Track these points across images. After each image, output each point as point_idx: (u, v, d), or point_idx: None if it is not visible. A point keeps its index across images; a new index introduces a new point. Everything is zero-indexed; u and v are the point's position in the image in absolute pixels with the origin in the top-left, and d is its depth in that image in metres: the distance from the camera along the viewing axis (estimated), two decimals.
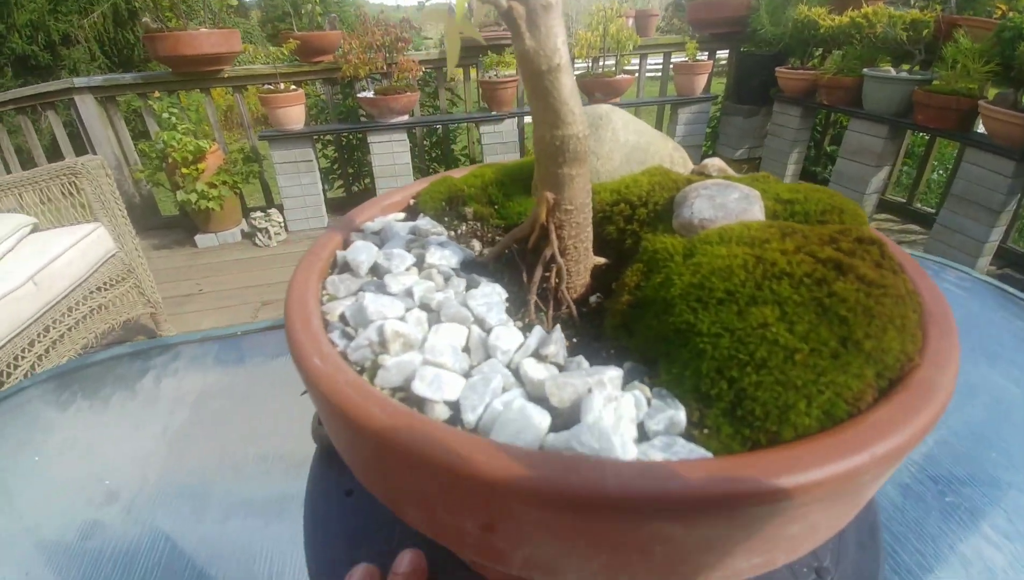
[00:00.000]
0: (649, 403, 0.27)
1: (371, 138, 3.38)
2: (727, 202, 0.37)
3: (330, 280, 0.37)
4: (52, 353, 1.88)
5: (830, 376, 0.25)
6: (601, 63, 3.63)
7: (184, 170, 3.09)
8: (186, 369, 0.83)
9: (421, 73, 3.50)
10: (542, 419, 0.25)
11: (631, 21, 3.87)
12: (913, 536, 0.52)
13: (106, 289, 2.13)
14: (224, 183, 3.22)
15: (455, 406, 0.27)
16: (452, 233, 0.44)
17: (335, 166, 4.05)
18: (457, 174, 0.50)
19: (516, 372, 0.30)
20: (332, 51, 3.38)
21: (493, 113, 3.55)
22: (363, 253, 0.38)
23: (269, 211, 3.46)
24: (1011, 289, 0.90)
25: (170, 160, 3.10)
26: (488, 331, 0.32)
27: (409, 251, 0.39)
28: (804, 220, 0.38)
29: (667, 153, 0.46)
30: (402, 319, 0.32)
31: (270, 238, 3.42)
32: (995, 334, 0.81)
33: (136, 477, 0.65)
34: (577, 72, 3.84)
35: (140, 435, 0.72)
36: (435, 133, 4.09)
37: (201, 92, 3.44)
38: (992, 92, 2.52)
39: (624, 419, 0.26)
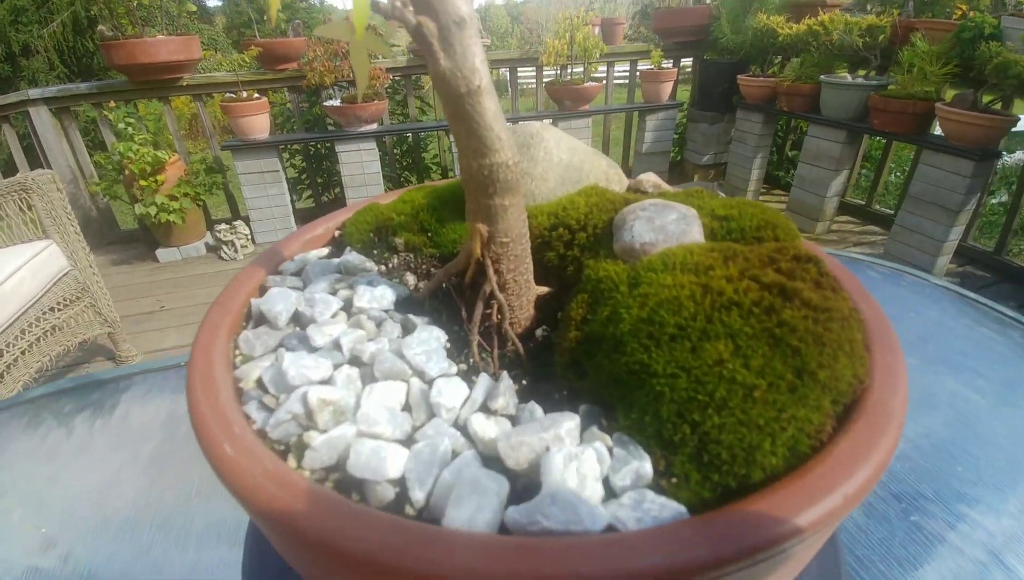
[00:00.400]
0: (611, 453, 0.25)
1: (339, 147, 3.33)
2: (666, 224, 0.36)
3: (243, 337, 0.32)
4: (7, 377, 1.79)
5: (791, 411, 0.25)
6: (569, 70, 3.66)
7: (142, 182, 2.98)
8: (131, 402, 0.78)
9: (389, 81, 3.47)
10: (500, 487, 0.23)
11: (597, 29, 3.91)
12: (878, 559, 0.50)
13: (60, 309, 2.03)
14: (186, 195, 3.12)
15: (400, 482, 0.24)
16: (383, 267, 0.41)
17: (303, 176, 3.97)
18: (385, 200, 0.47)
19: (464, 430, 0.27)
20: (297, 58, 3.32)
21: None
22: (280, 302, 0.33)
23: (235, 223, 3.37)
24: (971, 294, 0.87)
25: (127, 172, 2.99)
26: (429, 384, 0.29)
27: (335, 294, 0.35)
28: (740, 237, 0.38)
29: (602, 171, 0.45)
30: (330, 381, 0.29)
31: (236, 251, 3.32)
32: (956, 342, 0.78)
33: (97, 512, 0.62)
34: (546, 79, 3.86)
35: (94, 473, 0.68)
36: (406, 141, 4.06)
37: (159, 101, 3.34)
38: (949, 94, 2.61)
39: (588, 479, 0.24)
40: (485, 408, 0.29)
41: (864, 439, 0.24)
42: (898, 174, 4.27)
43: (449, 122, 0.31)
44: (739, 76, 3.63)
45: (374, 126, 3.36)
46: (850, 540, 0.52)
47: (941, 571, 0.49)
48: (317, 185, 3.94)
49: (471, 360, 0.34)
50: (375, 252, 0.43)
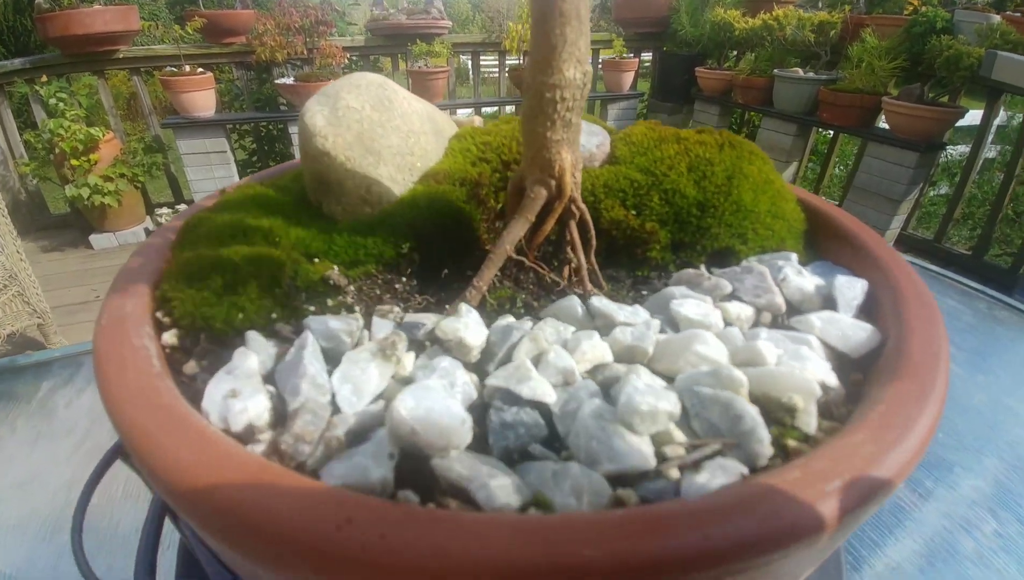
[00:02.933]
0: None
1: (292, 128, 3.17)
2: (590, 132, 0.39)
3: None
4: None
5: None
6: None
7: (74, 162, 2.75)
8: (65, 389, 0.71)
9: (346, 61, 3.33)
10: None
11: None
12: (868, 527, 0.51)
13: None
14: (122, 176, 2.90)
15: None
16: (350, 339, 0.30)
17: (254, 158, 3.77)
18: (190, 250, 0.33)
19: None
20: (245, 32, 3.14)
21: None
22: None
23: (178, 207, 3.17)
24: (933, 267, 0.90)
25: (57, 151, 2.75)
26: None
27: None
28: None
29: (447, 118, 0.44)
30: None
31: None
32: None
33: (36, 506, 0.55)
34: (508, 65, 3.82)
35: (12, 468, 0.61)
36: None
37: (94, 75, 3.08)
38: (895, 90, 2.74)
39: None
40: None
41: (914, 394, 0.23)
42: (841, 168, 4.49)
43: (533, 19, 0.29)
44: (697, 68, 3.70)
45: None
46: None
47: (928, 535, 0.50)
48: (270, 168, 3.75)
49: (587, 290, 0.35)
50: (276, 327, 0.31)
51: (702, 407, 0.25)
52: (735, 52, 3.67)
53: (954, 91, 2.63)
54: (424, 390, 0.24)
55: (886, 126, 2.74)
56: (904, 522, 0.51)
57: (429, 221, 0.36)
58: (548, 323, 0.31)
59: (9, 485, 0.59)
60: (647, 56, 4.46)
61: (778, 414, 0.25)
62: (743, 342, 0.30)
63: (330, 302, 0.32)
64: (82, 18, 2.73)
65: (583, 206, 0.36)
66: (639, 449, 0.23)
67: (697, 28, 3.65)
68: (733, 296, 0.37)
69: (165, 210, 3.13)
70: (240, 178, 2.52)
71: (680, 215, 0.42)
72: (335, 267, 0.33)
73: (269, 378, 0.28)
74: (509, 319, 0.33)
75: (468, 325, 0.29)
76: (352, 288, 0.33)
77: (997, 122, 2.83)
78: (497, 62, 4.00)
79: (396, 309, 0.33)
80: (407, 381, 0.27)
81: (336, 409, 0.25)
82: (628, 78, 3.88)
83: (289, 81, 3.09)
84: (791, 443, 0.24)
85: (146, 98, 3.25)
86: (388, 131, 0.36)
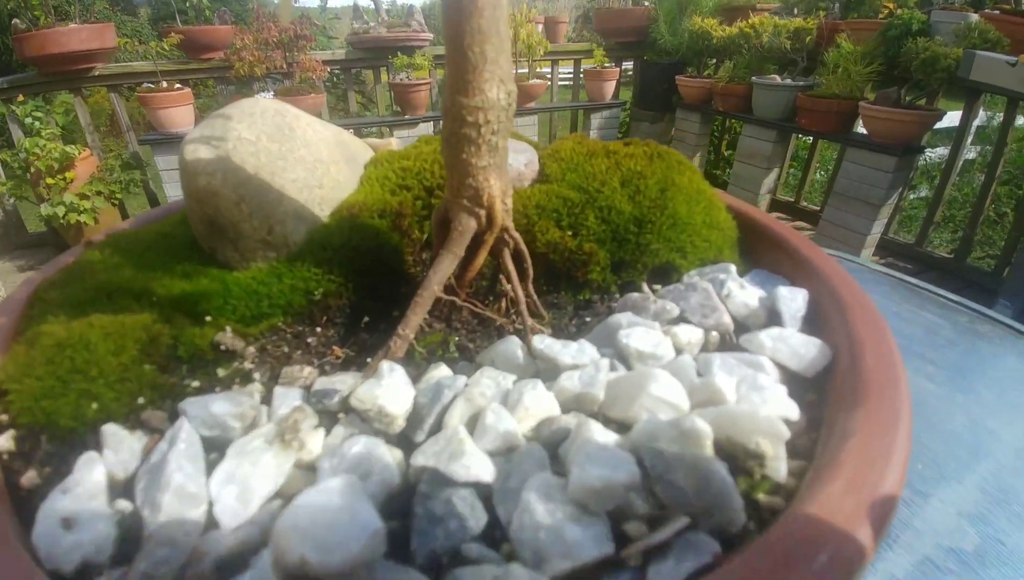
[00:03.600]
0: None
1: None
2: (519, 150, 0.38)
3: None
4: None
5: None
6: (514, 69, 3.63)
7: (49, 180, 2.71)
8: None
9: (327, 74, 3.32)
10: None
11: (540, 27, 3.91)
12: None
13: None
14: (99, 193, 2.86)
15: None
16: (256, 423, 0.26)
17: None
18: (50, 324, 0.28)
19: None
20: (223, 48, 3.12)
21: (407, 117, 3.45)
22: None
23: None
24: (911, 279, 0.86)
25: (33, 169, 2.71)
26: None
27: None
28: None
29: (354, 142, 0.41)
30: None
31: None
32: (903, 327, 0.76)
33: None
34: None
35: None
36: None
37: (70, 93, 3.05)
38: (872, 94, 2.73)
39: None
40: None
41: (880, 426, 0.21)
42: (822, 173, 4.52)
43: (446, 36, 0.26)
44: (677, 77, 3.73)
45: None
46: None
47: (900, 568, 0.46)
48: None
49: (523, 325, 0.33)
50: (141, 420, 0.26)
51: (665, 469, 0.22)
52: (714, 60, 3.70)
53: (931, 93, 2.63)
54: (322, 494, 0.20)
55: (864, 131, 2.75)
56: (873, 568, 0.46)
57: (346, 260, 0.33)
58: (485, 374, 0.29)
59: None
60: (628, 65, 4.49)
61: (745, 462, 0.23)
62: (698, 378, 0.29)
63: (221, 372, 0.27)
64: (58, 37, 2.72)
65: (516, 235, 0.33)
66: (596, 533, 0.20)
67: (676, 37, 3.68)
68: (681, 318, 0.35)
69: None
70: None
71: (618, 233, 0.41)
72: (227, 328, 0.29)
73: (127, 488, 0.23)
74: (441, 369, 0.30)
75: (391, 388, 0.26)
76: (252, 349, 0.29)
77: (976, 123, 2.85)
78: None
79: (308, 369, 0.30)
80: (311, 469, 0.24)
81: (213, 523, 0.21)
82: (610, 87, 3.89)
83: (269, 96, 3.07)
84: (762, 498, 0.22)
85: (123, 115, 3.22)
86: (291, 163, 0.33)
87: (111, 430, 0.24)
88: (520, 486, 0.22)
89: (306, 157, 0.35)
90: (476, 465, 0.23)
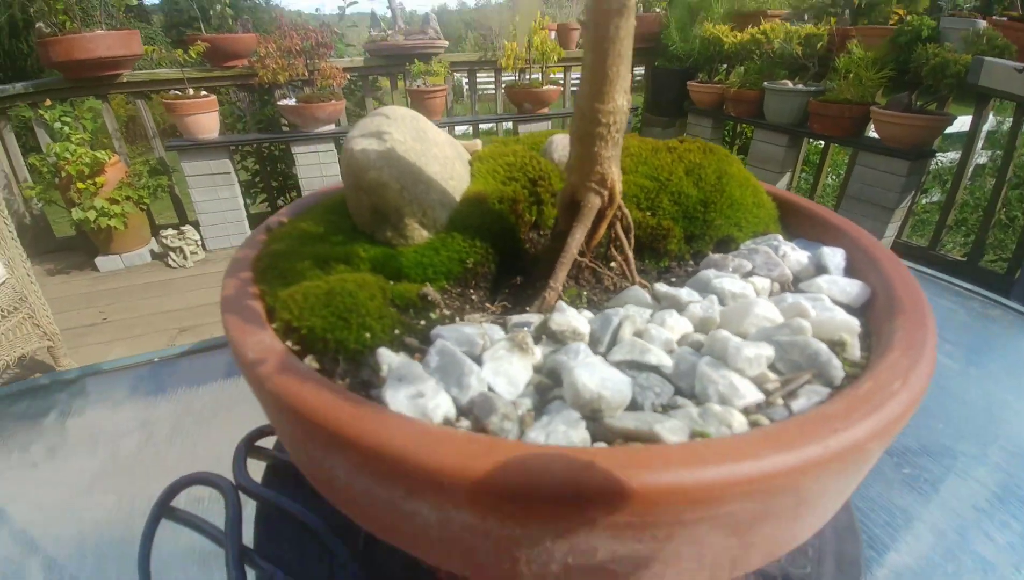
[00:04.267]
0: None
1: (295, 149, 3.23)
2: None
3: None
4: None
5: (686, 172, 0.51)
6: (528, 75, 3.71)
7: (80, 185, 2.79)
8: (93, 406, 0.74)
9: (346, 81, 3.41)
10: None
11: (553, 34, 3.99)
12: (881, 510, 0.53)
13: None
14: (128, 198, 2.94)
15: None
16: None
17: (257, 179, 3.82)
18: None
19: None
20: (246, 55, 3.21)
21: None
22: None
23: (183, 228, 3.21)
24: (928, 270, 0.94)
25: (63, 174, 2.79)
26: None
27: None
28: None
29: (456, 143, 0.50)
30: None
31: (185, 258, 3.16)
32: None
33: (40, 535, 0.57)
34: (504, 82, 3.90)
35: (40, 486, 0.63)
36: None
37: (97, 99, 3.14)
38: (883, 99, 2.78)
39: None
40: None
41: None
42: (833, 177, 4.57)
43: (591, 56, 0.32)
44: (689, 83, 3.79)
45: (332, 127, 3.29)
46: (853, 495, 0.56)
47: (937, 517, 0.52)
48: (272, 188, 3.80)
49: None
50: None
51: (784, 351, 0.31)
52: (725, 66, 3.77)
53: (942, 99, 2.67)
54: (588, 365, 0.28)
55: (876, 135, 2.80)
56: (912, 504, 0.54)
57: (482, 237, 0.41)
58: (630, 309, 0.36)
59: (58, 503, 0.61)
60: (639, 71, 4.56)
61: (833, 349, 0.32)
62: (785, 304, 0.37)
63: (433, 316, 0.35)
64: (85, 43, 2.77)
65: (627, 211, 0.41)
66: (751, 387, 0.29)
67: (687, 43, 3.75)
68: (752, 272, 0.44)
69: (170, 231, 3.17)
70: (243, 198, 2.53)
71: (688, 212, 0.49)
72: (428, 284, 0.36)
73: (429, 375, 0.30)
74: (585, 312, 0.37)
75: (575, 316, 0.34)
76: (442, 301, 0.36)
77: (987, 128, 2.89)
78: (493, 79, 4.08)
79: (482, 315, 0.37)
80: (541, 369, 0.31)
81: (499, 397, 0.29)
82: None
83: (291, 102, 3.15)
84: (848, 369, 0.31)
85: (149, 121, 3.31)
86: (429, 160, 0.39)
87: (385, 351, 0.31)
88: (688, 369, 0.31)
89: (439, 155, 0.41)
90: (660, 356, 0.31)
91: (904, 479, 0.57)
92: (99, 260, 3.10)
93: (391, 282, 0.35)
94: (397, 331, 0.32)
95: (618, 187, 0.38)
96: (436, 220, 0.39)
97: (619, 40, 0.32)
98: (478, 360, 0.30)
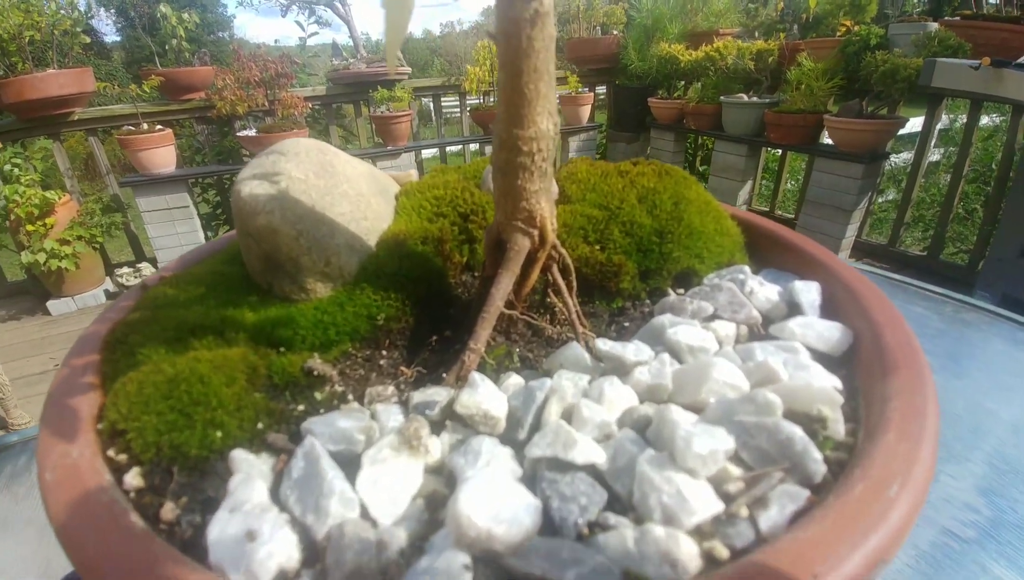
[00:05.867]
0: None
1: None
2: None
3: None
4: None
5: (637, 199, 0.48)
6: (492, 97, 3.73)
7: (29, 227, 2.67)
8: (30, 474, 0.67)
9: (308, 110, 3.37)
10: None
11: None
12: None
13: None
14: (79, 238, 2.82)
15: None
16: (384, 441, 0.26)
17: (219, 211, 3.73)
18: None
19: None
20: (204, 88, 3.16)
21: (389, 148, 3.50)
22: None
23: (139, 265, 3.09)
24: (895, 275, 0.91)
25: (12, 217, 2.67)
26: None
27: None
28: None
29: (383, 176, 0.45)
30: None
31: None
32: None
33: None
34: (470, 105, 3.92)
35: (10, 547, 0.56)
36: None
37: (48, 138, 3.03)
38: (835, 107, 2.85)
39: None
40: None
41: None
42: (793, 183, 4.70)
43: (504, 75, 0.28)
44: (649, 99, 3.87)
45: None
46: None
47: (921, 545, 0.48)
48: (233, 221, 3.71)
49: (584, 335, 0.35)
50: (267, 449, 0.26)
51: (749, 436, 0.25)
52: (683, 82, 3.86)
53: (893, 103, 2.74)
54: (483, 482, 0.22)
55: (830, 141, 2.88)
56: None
57: (400, 286, 0.35)
58: (563, 376, 0.31)
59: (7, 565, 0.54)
60: (601, 89, 4.64)
61: (810, 426, 0.26)
62: (751, 362, 0.31)
63: (318, 396, 0.29)
64: (35, 83, 2.71)
65: (563, 250, 0.36)
66: (706, 495, 0.23)
67: (645, 62, 3.84)
68: (714, 315, 0.38)
69: (126, 269, 3.05)
70: (205, 231, 2.45)
71: (642, 244, 0.44)
72: (314, 355, 0.30)
73: (273, 501, 0.24)
74: (512, 377, 0.32)
75: (488, 395, 0.28)
76: (335, 374, 0.30)
77: (939, 126, 2.99)
78: (458, 103, 4.10)
79: (390, 388, 0.31)
80: (438, 470, 0.25)
81: (371, 523, 0.22)
82: (585, 111, 4.02)
83: (252, 133, 3.09)
84: (829, 454, 0.25)
85: (103, 158, 3.21)
86: (337, 198, 0.35)
87: (240, 455, 0.25)
88: (627, 465, 0.25)
89: (349, 192, 0.37)
90: (589, 450, 0.25)
91: None
92: (51, 303, 2.96)
93: (280, 350, 0.30)
94: (260, 425, 0.26)
95: (550, 224, 0.33)
96: (343, 268, 0.35)
97: (534, 53, 0.27)
98: (356, 463, 0.24)
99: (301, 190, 0.34)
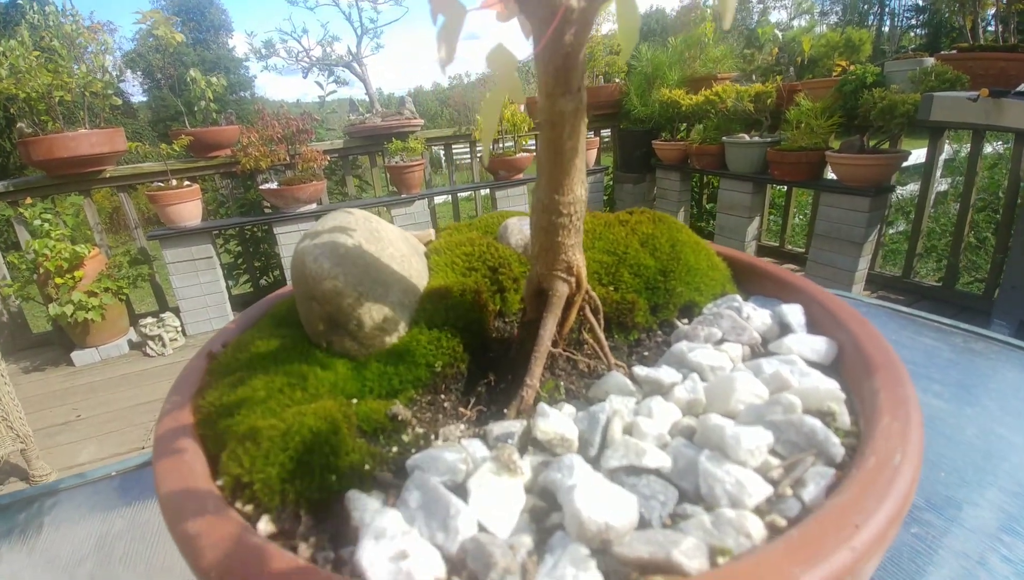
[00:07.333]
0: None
1: (277, 229, 3.28)
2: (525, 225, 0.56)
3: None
4: None
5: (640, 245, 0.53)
6: (501, 145, 3.89)
7: (58, 280, 2.77)
8: (52, 525, 0.69)
9: (327, 162, 3.53)
10: None
11: (523, 107, 4.22)
12: (890, 576, 0.50)
13: None
14: (107, 290, 2.92)
15: None
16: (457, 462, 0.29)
17: (239, 261, 3.85)
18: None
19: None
20: (230, 145, 3.33)
21: (403, 195, 3.63)
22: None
23: (162, 316, 3.17)
24: (905, 309, 0.93)
25: (42, 270, 2.78)
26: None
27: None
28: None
29: (410, 236, 0.52)
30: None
31: (164, 345, 3.10)
32: (904, 353, 0.77)
33: None
34: (479, 153, 4.07)
35: None
36: None
37: (79, 194, 3.19)
38: (836, 143, 2.91)
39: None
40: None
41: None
42: (801, 217, 4.75)
43: (547, 152, 0.34)
44: (654, 141, 4.00)
45: (313, 206, 3.36)
46: None
47: (945, 574, 0.49)
48: (255, 269, 3.82)
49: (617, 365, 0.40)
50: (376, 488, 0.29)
51: (780, 432, 0.30)
52: (685, 124, 3.99)
53: (894, 137, 2.81)
54: (588, 486, 0.26)
55: (834, 176, 2.92)
56: (925, 568, 0.51)
57: (449, 335, 0.39)
58: (614, 401, 0.35)
59: None
60: (606, 132, 4.81)
61: (823, 419, 0.32)
62: (764, 374, 0.36)
63: (405, 438, 0.32)
64: (67, 142, 2.82)
65: (594, 294, 0.42)
66: (757, 481, 0.27)
67: (647, 107, 3.99)
68: (723, 340, 0.44)
69: (149, 320, 3.13)
70: (226, 280, 2.51)
71: (649, 283, 0.50)
72: (396, 402, 0.34)
73: (410, 525, 0.26)
74: (566, 407, 0.36)
75: (560, 421, 0.32)
76: (414, 418, 0.33)
77: (943, 157, 3.03)
78: (468, 150, 4.26)
79: (461, 426, 0.34)
80: (531, 489, 0.28)
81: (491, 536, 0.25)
82: (592, 155, 4.16)
83: (273, 186, 3.23)
84: (843, 439, 0.31)
85: (132, 212, 3.35)
86: (386, 259, 0.40)
87: (354, 495, 0.27)
88: (687, 466, 0.29)
89: (395, 254, 0.41)
90: (657, 457, 0.30)
91: (912, 539, 0.54)
92: (75, 354, 3.03)
93: (354, 401, 0.33)
94: (367, 466, 0.28)
95: (584, 272, 0.38)
96: (397, 323, 0.38)
97: (575, 136, 0.33)
98: (463, 490, 0.27)
99: (358, 255, 0.38)
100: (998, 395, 0.74)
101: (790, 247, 3.80)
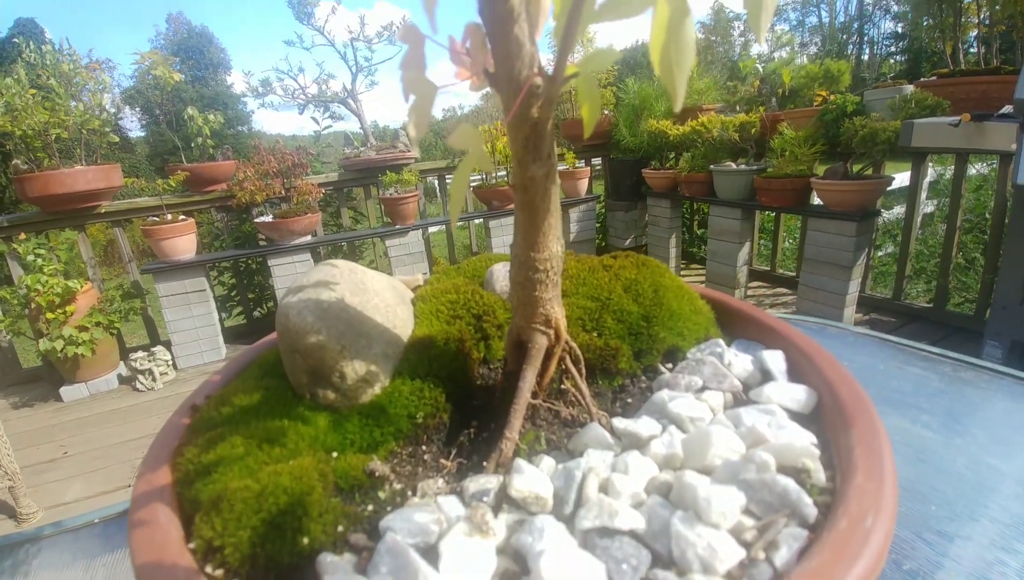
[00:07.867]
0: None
1: (272, 261, 3.30)
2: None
3: None
4: None
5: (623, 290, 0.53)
6: (494, 175, 3.95)
7: (49, 315, 2.76)
8: (35, 574, 0.68)
9: (322, 195, 3.57)
10: None
11: None
12: None
13: None
14: (98, 324, 2.90)
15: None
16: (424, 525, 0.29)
17: (233, 293, 3.84)
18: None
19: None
20: (225, 180, 3.36)
21: (397, 226, 3.66)
22: None
23: (153, 350, 3.15)
24: (892, 338, 0.93)
25: (33, 305, 2.77)
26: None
27: None
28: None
29: (398, 284, 0.52)
30: None
31: (155, 379, 3.07)
32: (892, 383, 0.82)
33: None
34: (473, 183, 4.14)
35: None
36: (340, 250, 4.10)
37: (74, 229, 3.21)
38: (821, 168, 2.97)
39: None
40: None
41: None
42: (791, 241, 4.81)
43: (522, 214, 0.35)
44: (643, 170, 4.08)
45: (308, 238, 3.39)
46: None
47: None
48: (248, 301, 3.82)
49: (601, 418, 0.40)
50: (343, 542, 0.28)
51: (753, 491, 0.30)
52: (673, 153, 4.08)
53: (877, 163, 2.86)
54: (555, 553, 0.26)
55: (821, 201, 2.98)
56: None
57: (431, 386, 0.39)
58: (591, 455, 0.35)
59: None
60: (597, 161, 4.90)
61: (798, 477, 0.32)
62: (742, 427, 0.36)
63: (382, 495, 0.31)
64: (63, 178, 2.81)
65: (574, 344, 0.42)
66: (730, 544, 0.27)
67: (636, 137, 4.09)
68: (704, 387, 0.44)
69: (140, 354, 3.10)
70: (219, 313, 2.50)
71: (632, 328, 0.50)
72: (374, 457, 0.34)
73: None
74: (545, 460, 0.36)
75: (536, 478, 0.32)
76: (392, 473, 0.33)
77: (927, 180, 3.09)
78: None
79: (440, 481, 0.34)
80: (503, 550, 0.28)
81: None
82: (583, 184, 4.23)
83: (268, 219, 3.26)
84: (817, 498, 0.31)
85: (125, 246, 3.36)
86: (370, 311, 0.40)
87: (326, 558, 0.27)
88: (661, 527, 0.29)
89: (380, 305, 0.42)
90: (630, 517, 0.29)
91: (905, 576, 0.52)
92: (64, 390, 2.99)
93: (334, 455, 0.33)
94: (340, 528, 0.28)
95: (562, 324, 0.39)
96: (380, 375, 0.39)
97: (548, 198, 0.35)
98: (435, 552, 0.27)
99: (341, 309, 0.39)
100: (987, 424, 0.73)
101: (781, 271, 3.84)
